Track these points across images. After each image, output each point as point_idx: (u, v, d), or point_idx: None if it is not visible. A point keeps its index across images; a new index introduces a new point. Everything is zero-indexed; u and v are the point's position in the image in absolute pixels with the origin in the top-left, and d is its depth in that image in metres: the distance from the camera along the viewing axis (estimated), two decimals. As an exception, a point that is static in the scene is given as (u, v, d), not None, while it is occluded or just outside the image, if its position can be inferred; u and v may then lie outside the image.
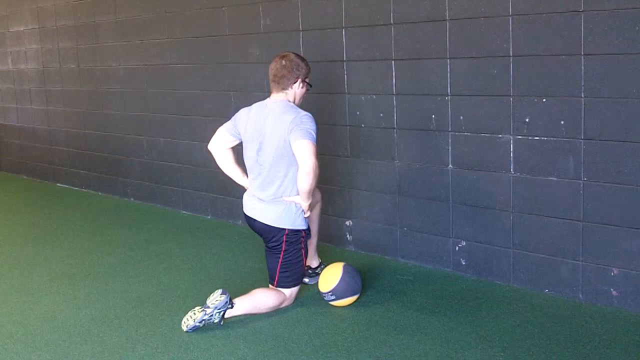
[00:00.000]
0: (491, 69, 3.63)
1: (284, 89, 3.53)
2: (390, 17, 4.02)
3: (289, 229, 3.50)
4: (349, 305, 3.58)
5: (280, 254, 3.52)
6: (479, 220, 3.83)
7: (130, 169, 6.25)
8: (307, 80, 3.60)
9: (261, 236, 3.62)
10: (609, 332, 3.15)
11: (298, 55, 3.61)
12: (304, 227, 3.56)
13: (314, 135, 3.38)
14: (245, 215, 3.65)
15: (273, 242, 3.53)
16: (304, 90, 3.61)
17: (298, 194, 3.48)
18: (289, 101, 3.55)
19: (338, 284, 3.54)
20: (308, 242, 3.72)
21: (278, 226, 3.49)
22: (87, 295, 3.93)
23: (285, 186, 3.48)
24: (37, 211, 6.16)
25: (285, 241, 3.51)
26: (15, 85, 7.65)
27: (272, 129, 3.43)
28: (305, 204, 3.50)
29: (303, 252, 3.58)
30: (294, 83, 3.53)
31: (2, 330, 3.48)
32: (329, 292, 3.55)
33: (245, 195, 3.68)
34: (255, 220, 3.56)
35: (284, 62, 3.52)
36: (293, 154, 3.39)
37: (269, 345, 3.17)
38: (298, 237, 3.54)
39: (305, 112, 3.46)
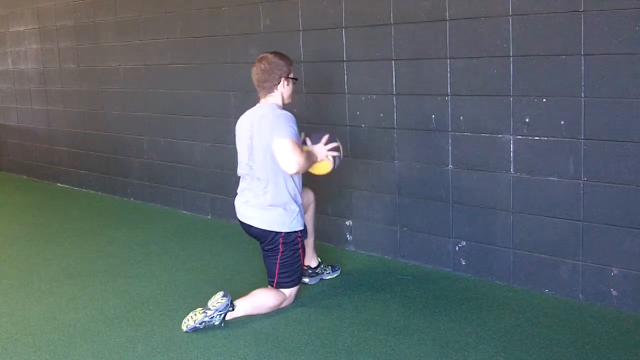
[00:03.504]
0: (491, 69, 3.63)
1: (269, 92, 3.53)
2: (390, 17, 4.02)
3: (285, 232, 3.50)
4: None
5: (277, 256, 3.51)
6: (479, 220, 3.83)
7: (130, 169, 6.25)
8: (290, 76, 3.57)
9: (257, 240, 3.61)
10: (609, 332, 3.15)
11: (276, 54, 3.57)
12: (300, 228, 3.55)
13: (292, 130, 3.34)
14: (240, 222, 3.64)
15: (270, 245, 3.52)
16: (290, 87, 3.58)
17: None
18: (276, 104, 3.53)
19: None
20: (305, 242, 3.72)
21: (274, 230, 3.49)
22: (87, 295, 3.93)
23: (274, 193, 3.46)
24: (37, 211, 6.16)
25: (282, 243, 3.50)
26: (15, 85, 7.65)
27: (258, 131, 3.45)
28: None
29: (300, 252, 3.57)
30: (278, 84, 3.52)
31: (2, 330, 3.48)
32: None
33: (236, 202, 3.66)
34: (250, 226, 3.56)
35: (262, 65, 3.51)
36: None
37: (269, 345, 3.17)
38: (294, 238, 3.53)
39: (282, 111, 3.45)
